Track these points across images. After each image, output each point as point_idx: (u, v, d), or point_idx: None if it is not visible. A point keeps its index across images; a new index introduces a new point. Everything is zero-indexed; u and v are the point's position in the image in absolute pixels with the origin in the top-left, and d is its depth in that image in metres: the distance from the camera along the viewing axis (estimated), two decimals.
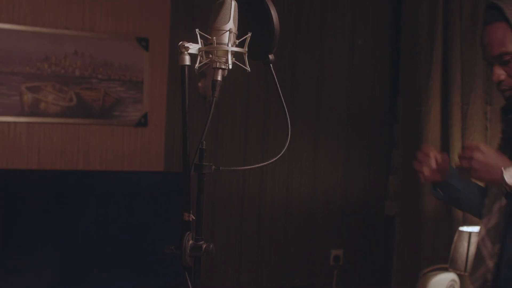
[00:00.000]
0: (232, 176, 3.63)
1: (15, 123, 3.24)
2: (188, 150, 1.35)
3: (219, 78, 1.38)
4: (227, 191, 3.65)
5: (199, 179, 1.36)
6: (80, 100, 3.38)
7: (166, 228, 3.23)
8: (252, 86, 3.66)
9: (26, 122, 3.26)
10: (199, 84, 3.42)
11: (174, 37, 3.53)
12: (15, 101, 3.23)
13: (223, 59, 1.37)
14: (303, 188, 3.83)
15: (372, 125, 3.95)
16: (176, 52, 1.38)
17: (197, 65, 1.38)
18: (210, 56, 1.37)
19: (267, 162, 1.48)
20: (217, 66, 1.37)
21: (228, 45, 1.37)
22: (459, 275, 3.24)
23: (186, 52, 1.35)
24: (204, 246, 1.33)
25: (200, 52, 1.38)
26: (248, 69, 1.41)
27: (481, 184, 2.12)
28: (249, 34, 1.40)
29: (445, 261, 3.21)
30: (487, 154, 1.72)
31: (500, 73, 1.80)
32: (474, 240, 3.16)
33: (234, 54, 1.39)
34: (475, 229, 3.26)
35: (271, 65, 1.49)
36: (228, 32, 1.37)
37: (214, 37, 1.37)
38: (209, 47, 1.37)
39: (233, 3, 1.40)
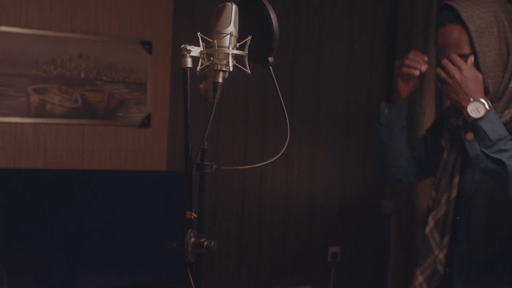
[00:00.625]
0: (233, 175, 3.63)
1: (22, 123, 3.24)
2: (190, 150, 1.35)
3: (220, 80, 1.38)
4: (228, 190, 3.65)
5: (200, 178, 1.36)
6: (85, 102, 3.38)
7: (168, 225, 3.23)
8: (252, 87, 3.66)
9: (32, 122, 3.26)
10: (201, 86, 3.42)
11: (176, 40, 3.53)
12: (22, 103, 3.23)
13: (224, 62, 1.37)
14: (302, 187, 3.83)
15: (369, 125, 3.95)
16: (179, 55, 1.39)
17: (198, 67, 1.38)
18: (212, 58, 1.38)
19: (267, 162, 1.48)
20: (218, 68, 1.38)
21: (229, 48, 1.37)
22: None
23: (188, 55, 1.35)
24: (206, 243, 1.34)
25: (202, 55, 1.38)
26: (248, 71, 1.41)
27: (418, 145, 2.08)
28: (249, 38, 1.40)
29: None
30: (465, 76, 1.67)
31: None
32: None
33: (235, 56, 1.39)
34: None
35: (270, 67, 1.49)
36: (229, 35, 1.38)
37: (215, 40, 1.37)
38: (211, 50, 1.37)
39: (234, 7, 1.40)
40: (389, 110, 2.04)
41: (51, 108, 3.30)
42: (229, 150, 3.66)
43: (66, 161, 3.33)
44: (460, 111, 1.73)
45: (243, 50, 1.40)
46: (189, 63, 1.36)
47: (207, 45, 1.38)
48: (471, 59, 1.72)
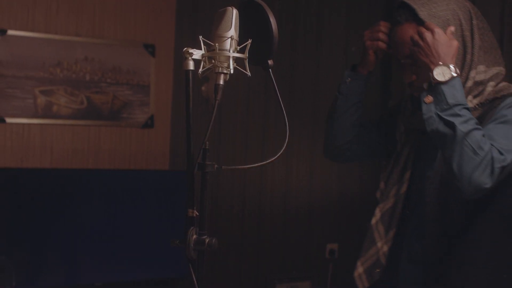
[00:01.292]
0: (234, 174, 3.63)
1: (29, 124, 3.24)
2: (192, 150, 1.36)
3: (221, 82, 1.38)
4: (229, 188, 3.65)
5: (202, 177, 1.36)
6: (90, 103, 3.38)
7: (171, 223, 3.24)
8: (253, 89, 3.67)
9: (39, 123, 3.26)
10: (203, 88, 3.42)
11: (178, 43, 3.53)
12: (29, 104, 3.23)
13: (225, 64, 1.38)
14: (301, 185, 3.83)
15: None
16: (181, 58, 1.38)
17: (200, 70, 1.38)
18: (213, 61, 1.38)
19: (266, 161, 1.48)
20: (220, 70, 1.38)
21: (229, 51, 1.37)
22: None
23: (190, 58, 1.36)
24: (207, 240, 1.34)
25: (204, 58, 1.38)
26: (249, 73, 1.41)
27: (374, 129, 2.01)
28: (250, 41, 1.41)
29: None
30: (437, 40, 1.62)
31: (411, 74, 1.74)
32: None
33: (236, 59, 1.39)
34: None
35: (270, 70, 1.49)
36: (229, 38, 1.38)
37: (216, 44, 1.37)
38: (212, 53, 1.37)
39: (234, 12, 1.40)
40: (352, 79, 1.96)
41: (57, 109, 3.30)
42: (230, 150, 3.66)
43: (72, 161, 3.33)
44: (418, 101, 1.70)
45: (244, 53, 1.40)
46: (191, 65, 1.36)
47: (209, 48, 1.38)
48: (452, 28, 1.67)
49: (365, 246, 1.88)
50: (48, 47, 3.26)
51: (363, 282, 1.87)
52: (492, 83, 1.69)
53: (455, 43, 1.65)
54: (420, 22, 1.69)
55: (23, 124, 3.23)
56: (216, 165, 1.36)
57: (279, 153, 1.43)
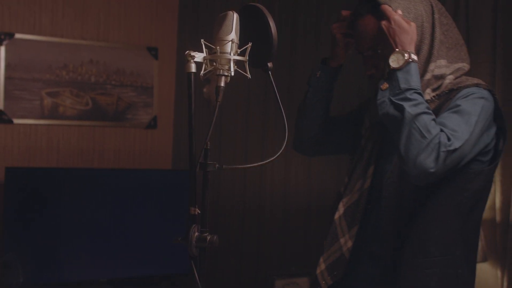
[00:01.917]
0: (235, 173, 3.63)
1: (36, 125, 3.24)
2: (194, 150, 1.35)
3: (222, 84, 1.38)
4: (230, 187, 3.65)
5: (204, 177, 1.36)
6: (95, 104, 3.38)
7: (173, 220, 3.23)
8: (253, 91, 3.66)
9: (46, 124, 3.26)
10: (204, 90, 3.42)
11: (181, 46, 3.53)
12: (36, 105, 3.24)
13: (226, 67, 1.38)
14: (300, 184, 3.83)
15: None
16: (183, 60, 1.38)
17: (202, 72, 1.38)
18: (214, 64, 1.38)
19: (266, 161, 1.48)
20: (221, 73, 1.38)
21: (230, 54, 1.37)
22: None
23: (192, 60, 1.36)
24: (209, 237, 1.34)
25: (205, 61, 1.38)
26: (249, 76, 1.41)
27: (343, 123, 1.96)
28: (250, 44, 1.40)
29: None
30: (394, 28, 1.59)
31: (371, 67, 1.72)
32: None
33: (236, 62, 1.39)
34: None
35: (270, 72, 1.49)
36: (230, 42, 1.38)
37: (217, 47, 1.37)
38: (213, 56, 1.37)
39: (235, 16, 1.40)
40: (322, 72, 1.92)
41: (63, 110, 3.30)
42: (230, 150, 3.65)
43: (78, 160, 3.33)
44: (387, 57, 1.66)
45: (244, 56, 1.40)
46: (193, 68, 1.36)
47: (210, 51, 1.38)
48: (399, 11, 1.63)
49: (328, 242, 1.80)
50: (54, 50, 3.26)
51: (325, 279, 1.78)
52: (451, 76, 1.65)
53: (413, 29, 1.61)
54: (381, 14, 1.65)
55: (30, 125, 3.23)
56: (217, 165, 1.36)
57: (278, 153, 1.43)
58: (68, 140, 3.32)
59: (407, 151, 1.50)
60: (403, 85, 1.56)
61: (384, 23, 1.61)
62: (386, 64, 1.62)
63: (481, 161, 1.63)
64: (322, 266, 1.78)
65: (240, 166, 1.51)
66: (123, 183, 3.21)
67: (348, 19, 1.79)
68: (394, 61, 1.58)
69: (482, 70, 3.39)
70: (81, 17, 3.34)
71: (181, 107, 3.53)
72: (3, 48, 3.15)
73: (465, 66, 1.70)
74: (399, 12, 1.62)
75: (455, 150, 1.50)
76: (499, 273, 3.22)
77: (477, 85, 1.62)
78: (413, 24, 1.61)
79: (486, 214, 3.26)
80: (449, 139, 1.50)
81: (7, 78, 3.16)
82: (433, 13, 1.67)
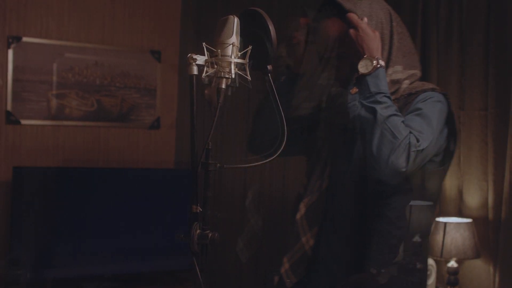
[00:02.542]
0: (235, 173, 3.63)
1: (42, 125, 3.24)
2: (196, 150, 1.35)
3: (223, 86, 1.38)
4: (231, 186, 3.65)
5: (205, 176, 1.36)
6: (100, 106, 3.38)
7: (175, 218, 3.23)
8: (253, 92, 3.66)
9: (52, 125, 3.26)
10: (206, 92, 3.41)
11: (183, 49, 3.53)
12: (43, 107, 3.23)
13: (227, 69, 1.38)
14: (298, 182, 3.82)
15: None
16: (185, 63, 1.38)
17: (204, 74, 1.38)
18: (216, 66, 1.38)
19: (266, 160, 1.48)
20: (222, 75, 1.38)
21: (231, 57, 1.37)
22: (435, 261, 3.24)
23: (194, 63, 1.36)
24: (210, 235, 1.34)
25: (207, 63, 1.38)
26: (249, 78, 1.41)
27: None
28: (250, 48, 1.41)
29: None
30: (362, 36, 1.61)
31: (332, 69, 1.70)
32: (449, 229, 3.16)
33: (237, 64, 1.40)
34: (451, 219, 3.26)
35: (269, 74, 1.49)
36: (231, 45, 1.38)
37: (219, 50, 1.37)
38: (215, 59, 1.37)
39: (236, 20, 1.40)
40: (286, 77, 1.88)
41: (69, 111, 3.30)
42: (231, 149, 3.65)
43: (83, 160, 3.33)
44: (338, 96, 1.69)
45: (245, 59, 1.40)
46: (195, 70, 1.36)
47: (212, 54, 1.38)
48: (365, 19, 1.64)
49: (291, 243, 1.78)
50: (61, 53, 3.26)
51: (290, 278, 1.77)
52: (407, 81, 1.68)
53: (378, 36, 1.63)
54: (344, 19, 1.65)
55: (37, 126, 3.23)
56: (218, 164, 1.36)
57: (277, 153, 1.43)
58: (73, 140, 3.32)
59: (379, 151, 1.53)
60: (373, 89, 1.59)
61: (352, 31, 1.62)
62: (353, 69, 1.64)
63: (434, 161, 1.65)
64: (286, 265, 1.78)
65: (240, 166, 1.51)
66: (127, 182, 3.21)
67: (308, 26, 1.77)
68: (363, 67, 1.60)
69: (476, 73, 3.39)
70: (87, 21, 3.34)
71: (183, 108, 3.53)
72: (11, 51, 3.15)
73: (418, 72, 1.73)
74: (365, 20, 1.64)
75: (423, 150, 1.54)
76: (491, 269, 3.23)
77: (433, 89, 1.66)
78: (377, 32, 1.64)
79: (478, 212, 3.26)
80: (418, 140, 1.53)
81: (15, 80, 3.16)
82: (391, 21, 1.69)
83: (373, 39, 1.62)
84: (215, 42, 1.39)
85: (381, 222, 1.63)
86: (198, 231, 1.33)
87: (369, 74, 1.60)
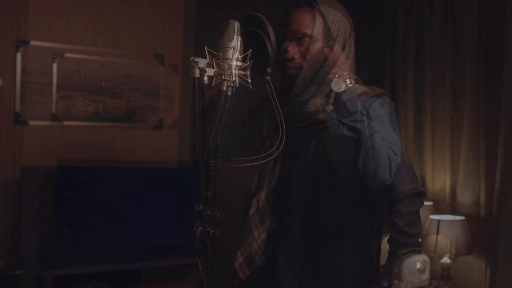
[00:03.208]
0: (236, 171, 3.63)
1: (50, 126, 3.24)
2: (198, 150, 1.35)
3: (225, 88, 1.38)
4: (231, 184, 3.65)
5: (207, 175, 1.36)
6: (105, 107, 3.38)
7: (177, 214, 3.23)
8: (253, 94, 3.66)
9: (59, 125, 3.26)
10: (207, 93, 3.42)
11: (185, 53, 3.53)
12: (50, 108, 3.24)
13: (228, 72, 1.38)
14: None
15: None
16: (187, 66, 1.38)
17: (206, 77, 1.38)
18: (217, 69, 1.38)
19: (265, 160, 1.48)
20: (223, 78, 1.38)
21: (232, 61, 1.37)
22: (429, 257, 3.24)
23: (196, 66, 1.35)
24: (211, 231, 1.34)
25: (209, 67, 1.38)
26: (249, 80, 1.41)
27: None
28: (250, 51, 1.40)
29: (418, 245, 3.21)
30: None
31: (295, 51, 1.68)
32: (442, 227, 3.16)
33: (238, 67, 1.39)
34: (444, 217, 3.26)
35: (268, 76, 1.49)
36: (232, 49, 1.38)
37: (220, 53, 1.37)
38: (217, 62, 1.37)
39: (236, 24, 1.40)
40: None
41: (75, 112, 3.30)
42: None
43: (89, 159, 3.33)
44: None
45: (245, 62, 1.40)
46: (197, 73, 1.36)
47: (213, 56, 1.38)
48: (337, 46, 1.67)
49: (244, 236, 1.81)
50: (67, 57, 3.26)
51: (243, 270, 1.80)
52: (357, 85, 1.70)
53: (348, 61, 1.68)
54: (317, 10, 1.67)
55: (45, 126, 3.23)
56: (219, 163, 1.36)
57: (277, 152, 1.43)
58: (80, 140, 3.32)
59: (365, 167, 1.59)
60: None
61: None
62: (326, 87, 1.67)
63: None
64: (240, 259, 1.81)
65: (240, 165, 1.51)
66: (131, 181, 3.21)
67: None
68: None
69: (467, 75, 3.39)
70: (93, 26, 3.34)
71: (185, 109, 3.53)
72: (19, 55, 3.15)
73: (360, 79, 1.75)
74: (337, 46, 1.68)
75: (398, 162, 1.63)
76: (483, 264, 3.23)
77: (384, 93, 1.71)
78: (345, 57, 1.68)
79: (470, 209, 3.26)
80: (395, 154, 1.62)
81: (23, 82, 3.16)
82: (351, 32, 1.73)
83: (346, 61, 1.67)
84: (217, 45, 1.39)
85: (338, 211, 1.67)
86: (200, 228, 1.33)
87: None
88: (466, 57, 3.36)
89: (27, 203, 2.98)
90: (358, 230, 1.70)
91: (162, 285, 3.19)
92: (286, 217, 1.76)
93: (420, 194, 1.72)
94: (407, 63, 3.64)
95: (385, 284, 1.66)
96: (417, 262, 3.26)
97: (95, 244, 3.13)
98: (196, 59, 1.35)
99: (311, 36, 1.67)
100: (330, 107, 1.67)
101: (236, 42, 1.38)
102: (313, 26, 1.67)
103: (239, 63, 1.39)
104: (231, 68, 1.37)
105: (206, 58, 1.37)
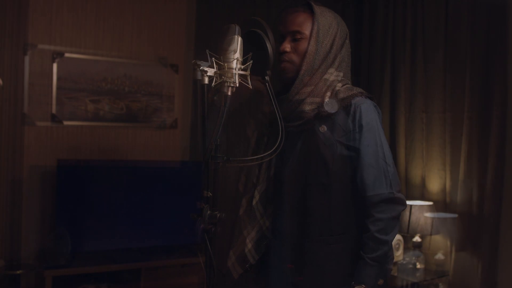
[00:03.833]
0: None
1: (81, 126, 3.24)
2: (207, 146, 1.35)
3: (229, 92, 1.38)
4: (236, 175, 3.63)
5: (215, 166, 1.36)
6: (128, 110, 3.37)
7: (190, 201, 3.23)
8: (253, 96, 3.65)
9: (89, 125, 3.26)
10: (215, 98, 3.40)
11: (186, 54, 3.50)
12: (81, 110, 3.23)
13: (229, 74, 1.37)
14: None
15: None
16: (187, 66, 1.37)
17: (213, 83, 1.37)
18: (223, 77, 1.37)
19: (265, 154, 1.48)
20: (227, 84, 1.37)
21: (235, 68, 1.36)
22: (403, 236, 3.23)
23: (198, 69, 1.34)
24: (218, 215, 1.33)
25: (215, 74, 1.37)
26: (250, 86, 1.41)
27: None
28: (250, 54, 1.39)
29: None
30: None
31: (287, 46, 1.58)
32: (414, 210, 3.15)
33: (239, 72, 1.38)
34: (415, 202, 3.25)
35: (268, 79, 1.48)
36: (233, 52, 1.36)
37: (221, 56, 1.36)
38: (221, 71, 1.36)
39: (237, 28, 1.37)
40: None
41: (103, 114, 3.30)
42: (236, 145, 3.64)
43: (115, 154, 3.33)
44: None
45: (247, 68, 1.39)
46: (199, 75, 1.34)
47: (219, 66, 1.37)
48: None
49: (250, 224, 1.67)
50: (96, 66, 3.25)
51: (236, 269, 1.66)
52: (339, 84, 1.58)
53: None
54: (312, 15, 1.59)
55: (77, 126, 3.22)
56: (225, 157, 1.35)
57: (277, 150, 1.43)
58: (107, 138, 3.31)
59: (363, 183, 1.50)
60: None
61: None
62: (321, 87, 1.57)
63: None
64: (249, 245, 1.67)
65: (244, 159, 1.51)
66: (151, 172, 3.21)
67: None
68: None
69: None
70: (118, 39, 3.33)
71: (196, 111, 3.52)
72: (55, 65, 3.14)
73: (348, 82, 1.65)
74: (334, 47, 1.59)
75: (392, 171, 1.53)
76: (448, 242, 3.22)
77: (361, 93, 1.57)
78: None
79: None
80: (389, 165, 1.52)
81: (58, 88, 3.16)
82: (345, 38, 1.63)
83: (341, 63, 1.59)
84: (218, 49, 1.37)
85: (329, 208, 1.54)
86: (208, 212, 1.33)
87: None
88: (434, 67, 3.35)
89: (62, 191, 2.96)
90: (348, 229, 1.55)
91: (162, 285, 3.07)
92: (277, 216, 1.65)
93: (397, 201, 1.50)
94: (384, 72, 3.63)
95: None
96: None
97: (95, 244, 3.03)
98: (198, 62, 1.34)
99: (304, 33, 1.57)
100: (324, 128, 1.54)
101: (236, 45, 1.36)
102: (307, 24, 1.57)
103: (239, 66, 1.37)
104: (232, 71, 1.36)
105: (207, 61, 1.36)
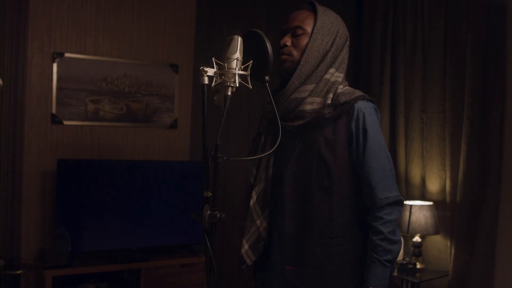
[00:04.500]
0: (239, 164, 3.63)
1: (81, 126, 3.24)
2: (207, 145, 1.36)
3: (229, 93, 1.39)
4: (235, 174, 3.65)
5: (214, 166, 1.37)
6: (128, 110, 3.38)
7: (190, 201, 3.24)
8: (254, 98, 3.66)
9: (89, 125, 3.26)
10: (215, 98, 3.41)
11: (196, 63, 3.52)
12: (82, 110, 3.23)
13: (232, 80, 1.38)
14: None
15: None
16: (198, 75, 1.39)
17: (213, 84, 1.38)
18: (223, 77, 1.38)
19: (265, 153, 1.48)
20: (228, 84, 1.38)
21: (235, 70, 1.38)
22: (403, 236, 3.24)
23: (205, 75, 1.36)
24: (218, 215, 1.34)
25: (216, 75, 1.38)
26: (250, 86, 1.42)
27: None
28: (251, 62, 1.41)
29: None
30: None
31: (288, 40, 1.60)
32: (414, 210, 3.16)
33: (240, 75, 1.40)
34: (415, 202, 3.26)
35: (267, 83, 1.49)
36: (235, 60, 1.38)
37: (225, 64, 1.38)
38: (222, 71, 1.38)
39: (239, 39, 1.40)
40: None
41: (103, 114, 3.30)
42: (236, 145, 3.66)
43: (115, 154, 3.33)
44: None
45: (247, 71, 1.41)
46: (206, 81, 1.36)
47: (219, 67, 1.39)
48: None
49: (247, 225, 1.67)
50: (96, 66, 3.26)
51: (249, 256, 1.66)
52: (341, 86, 1.60)
53: None
54: (316, 14, 1.61)
55: (77, 126, 3.23)
56: (225, 157, 1.36)
57: (274, 147, 1.44)
58: (107, 138, 3.32)
59: (374, 184, 1.53)
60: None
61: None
62: (323, 86, 1.58)
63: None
64: (245, 246, 1.67)
65: (243, 158, 1.52)
66: (150, 172, 3.22)
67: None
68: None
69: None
70: (118, 40, 3.33)
71: (196, 111, 3.53)
72: (55, 65, 3.15)
73: (347, 83, 1.66)
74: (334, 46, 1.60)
75: (394, 174, 1.57)
76: (448, 243, 3.23)
77: (363, 97, 1.58)
78: None
79: (438, 196, 3.27)
80: (391, 169, 1.56)
81: (59, 88, 3.16)
82: (346, 40, 1.64)
83: (341, 63, 1.61)
84: (223, 57, 1.39)
85: (330, 210, 1.54)
86: (208, 212, 1.33)
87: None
88: (433, 66, 3.36)
89: (63, 190, 2.97)
90: (348, 232, 1.56)
91: (162, 285, 3.08)
92: (276, 217, 1.65)
93: (401, 203, 1.56)
94: (383, 72, 3.63)
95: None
96: None
97: (95, 244, 3.02)
98: (205, 69, 1.36)
99: (305, 29, 1.58)
100: (326, 130, 1.55)
101: (239, 54, 1.39)
102: (308, 21, 1.59)
103: (241, 72, 1.39)
104: (235, 77, 1.38)
105: (213, 67, 1.38)
